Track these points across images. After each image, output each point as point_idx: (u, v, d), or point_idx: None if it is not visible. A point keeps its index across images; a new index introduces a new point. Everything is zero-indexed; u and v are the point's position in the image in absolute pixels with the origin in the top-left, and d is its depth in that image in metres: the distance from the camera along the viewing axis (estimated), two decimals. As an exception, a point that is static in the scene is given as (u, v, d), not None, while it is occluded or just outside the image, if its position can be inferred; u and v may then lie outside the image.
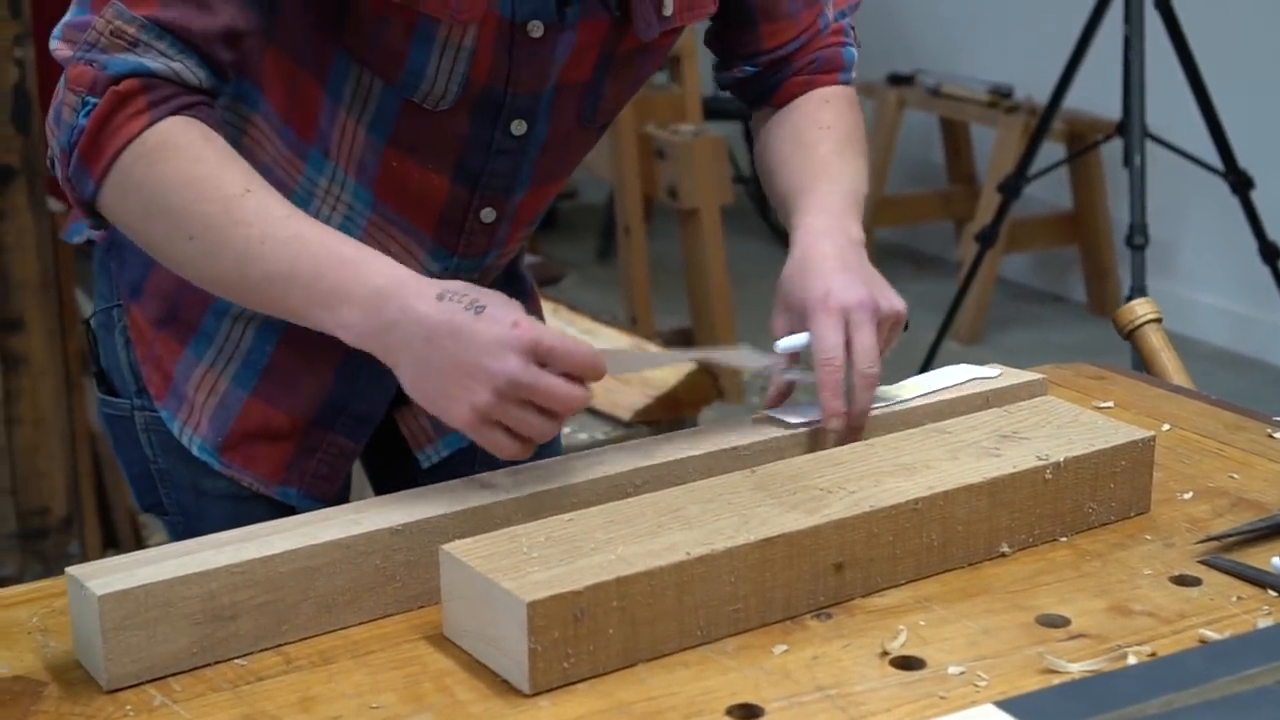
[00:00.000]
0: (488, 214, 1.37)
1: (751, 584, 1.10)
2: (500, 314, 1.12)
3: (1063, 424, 1.30)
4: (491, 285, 1.49)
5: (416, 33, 1.24)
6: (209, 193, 1.16)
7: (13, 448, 2.87)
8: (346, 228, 1.34)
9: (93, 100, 1.17)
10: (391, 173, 1.32)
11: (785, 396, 1.35)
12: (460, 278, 1.38)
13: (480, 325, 1.11)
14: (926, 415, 1.35)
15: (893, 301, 1.31)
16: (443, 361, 1.11)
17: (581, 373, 1.12)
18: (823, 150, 1.41)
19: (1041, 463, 1.23)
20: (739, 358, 1.34)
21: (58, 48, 1.20)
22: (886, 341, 1.31)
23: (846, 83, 1.47)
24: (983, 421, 1.31)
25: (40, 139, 2.80)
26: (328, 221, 1.34)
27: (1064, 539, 1.25)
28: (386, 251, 1.35)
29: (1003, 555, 1.22)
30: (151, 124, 1.16)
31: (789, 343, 1.31)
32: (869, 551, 1.15)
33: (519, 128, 1.32)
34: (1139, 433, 1.29)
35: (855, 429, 1.29)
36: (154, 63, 1.17)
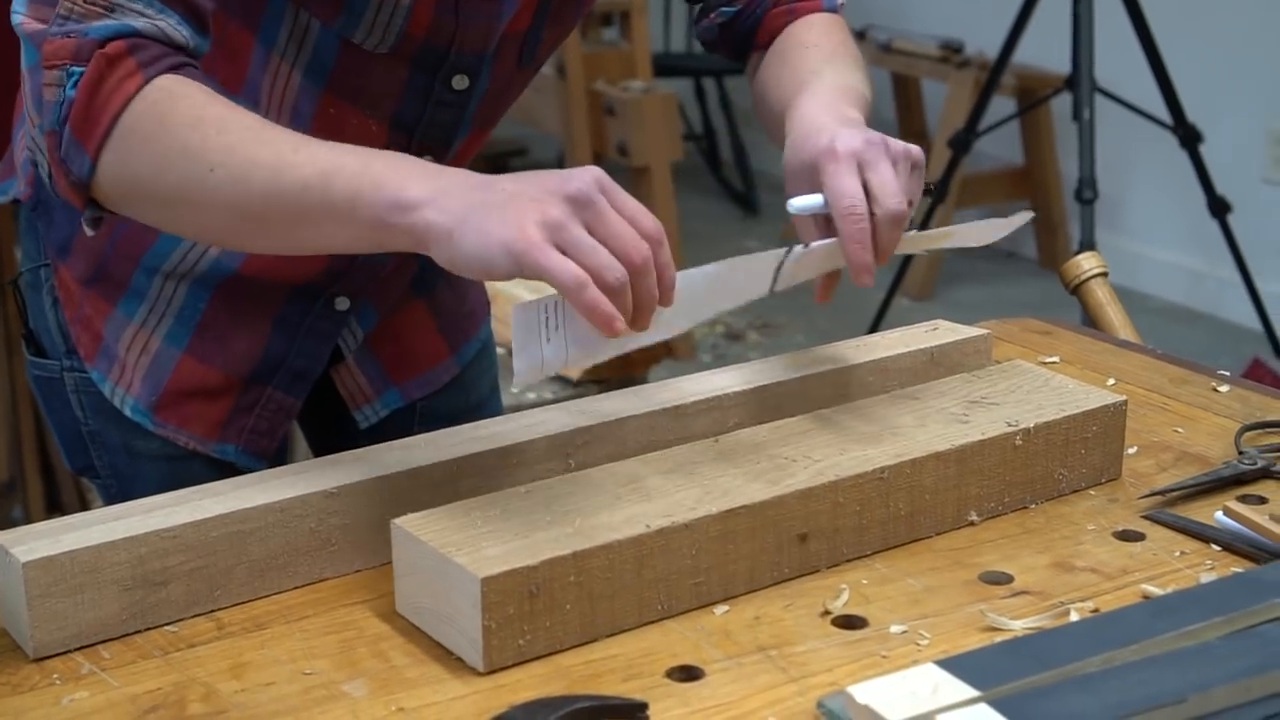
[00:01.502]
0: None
1: (713, 557, 1.08)
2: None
3: (1033, 389, 1.28)
4: None
5: None
6: (229, 125, 1.08)
7: (-47, 411, 2.84)
8: None
9: (78, 69, 1.09)
10: (328, 119, 1.29)
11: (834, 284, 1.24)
12: None
13: (542, 172, 1.04)
14: (892, 380, 1.33)
15: (906, 143, 1.19)
16: (503, 198, 1.01)
17: (638, 222, 1.02)
18: (811, 62, 1.33)
19: (1011, 429, 1.21)
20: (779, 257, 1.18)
21: (25, 23, 1.12)
22: (908, 189, 1.19)
23: (833, 9, 1.41)
24: (951, 387, 1.29)
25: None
26: None
27: (1034, 506, 1.23)
28: None
29: (971, 524, 1.20)
30: (147, 82, 1.09)
31: (802, 202, 1.19)
32: (834, 522, 1.13)
33: (461, 82, 1.30)
34: (1110, 397, 1.27)
35: (865, 266, 1.16)
36: (137, 22, 1.11)
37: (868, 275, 1.16)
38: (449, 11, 1.24)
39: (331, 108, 1.29)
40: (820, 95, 1.26)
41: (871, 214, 1.16)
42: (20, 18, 1.13)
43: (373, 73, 1.27)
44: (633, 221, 1.02)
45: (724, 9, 1.43)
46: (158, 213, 1.14)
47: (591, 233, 1.00)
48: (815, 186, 1.19)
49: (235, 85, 1.29)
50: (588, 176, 1.02)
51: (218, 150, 1.08)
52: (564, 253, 0.99)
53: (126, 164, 1.10)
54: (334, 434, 1.49)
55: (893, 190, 1.16)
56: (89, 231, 1.21)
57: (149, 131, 1.09)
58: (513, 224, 0.99)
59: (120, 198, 1.13)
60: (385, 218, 1.03)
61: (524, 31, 1.32)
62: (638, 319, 1.02)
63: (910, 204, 1.18)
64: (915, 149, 1.20)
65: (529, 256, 0.98)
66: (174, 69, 1.11)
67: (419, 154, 1.33)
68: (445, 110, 1.32)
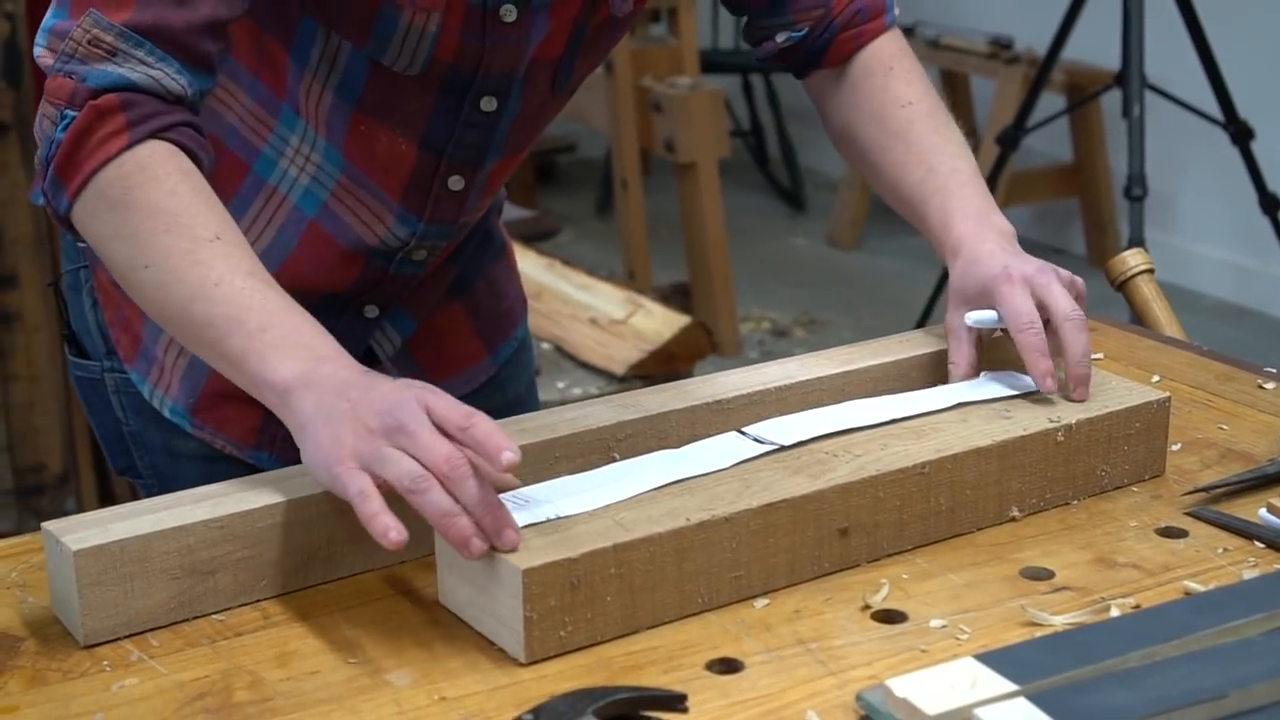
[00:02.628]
0: (455, 182, 1.34)
1: (754, 550, 1.08)
2: (416, 384, 1.08)
3: None
4: (464, 245, 1.47)
5: (381, 12, 1.22)
6: (177, 229, 1.12)
7: (8, 404, 2.87)
8: (315, 189, 1.33)
9: (70, 114, 1.13)
10: (359, 136, 1.31)
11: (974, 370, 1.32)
12: (429, 243, 1.37)
13: (391, 382, 1.08)
14: (936, 376, 1.34)
15: (1070, 273, 1.30)
16: (344, 410, 1.06)
17: (449, 423, 1.05)
18: (919, 135, 1.39)
19: (1053, 425, 1.21)
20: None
21: (41, 55, 1.15)
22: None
23: (892, 24, 1.45)
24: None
25: (32, 92, 2.79)
26: (296, 181, 1.33)
27: (1076, 502, 1.23)
28: (355, 215, 1.34)
29: (1012, 520, 1.20)
30: (130, 145, 1.12)
31: (979, 316, 1.30)
32: (875, 517, 1.13)
33: (489, 104, 1.31)
34: (1154, 394, 1.27)
35: (1080, 378, 1.25)
36: (134, 73, 1.13)
37: (1051, 379, 1.25)
38: (475, 38, 1.25)
39: (362, 125, 1.30)
40: (970, 214, 1.35)
41: (1053, 328, 1.26)
42: (40, 50, 1.16)
43: (402, 93, 1.28)
44: (445, 423, 1.05)
45: (791, 33, 1.43)
46: (111, 272, 1.17)
47: (405, 451, 1.04)
48: (984, 306, 1.30)
49: (279, 92, 1.30)
50: (414, 405, 1.05)
51: (156, 251, 1.12)
52: (370, 470, 1.04)
53: (91, 220, 1.15)
54: None
55: (1068, 303, 1.26)
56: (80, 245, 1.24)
57: (114, 200, 1.13)
58: (337, 445, 1.05)
59: (89, 241, 1.17)
60: (256, 385, 1.11)
61: (556, 58, 1.32)
62: (484, 521, 1.02)
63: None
64: (1079, 280, 1.31)
65: (339, 480, 1.04)
66: (164, 129, 1.14)
67: (448, 174, 1.33)
68: (474, 131, 1.32)
